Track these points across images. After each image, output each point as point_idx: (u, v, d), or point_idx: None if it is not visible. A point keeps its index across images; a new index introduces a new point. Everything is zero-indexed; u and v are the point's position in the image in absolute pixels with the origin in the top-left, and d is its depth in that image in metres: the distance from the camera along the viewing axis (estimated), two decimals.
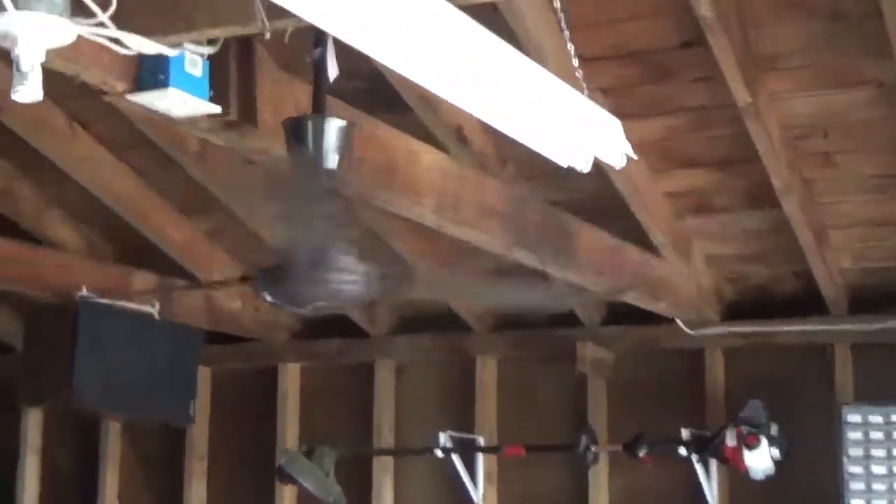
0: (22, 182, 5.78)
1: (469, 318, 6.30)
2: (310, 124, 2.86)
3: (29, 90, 2.19)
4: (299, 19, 2.13)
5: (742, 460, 5.32)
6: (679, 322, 5.78)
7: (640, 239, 5.25)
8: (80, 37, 2.37)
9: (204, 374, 6.86)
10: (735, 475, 5.55)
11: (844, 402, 5.52)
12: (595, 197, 5.05)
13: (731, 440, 5.36)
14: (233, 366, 6.99)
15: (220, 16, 2.52)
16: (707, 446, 5.46)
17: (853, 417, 5.36)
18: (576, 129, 2.60)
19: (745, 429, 5.34)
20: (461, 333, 6.40)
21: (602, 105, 4.62)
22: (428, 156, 3.89)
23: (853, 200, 5.18)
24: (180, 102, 2.83)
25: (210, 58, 2.84)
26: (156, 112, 2.89)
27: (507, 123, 2.56)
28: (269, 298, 2.99)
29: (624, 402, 6.05)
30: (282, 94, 3.11)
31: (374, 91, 4.11)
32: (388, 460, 6.45)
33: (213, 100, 2.89)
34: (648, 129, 4.85)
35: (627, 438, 5.67)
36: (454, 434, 6.09)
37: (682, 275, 5.54)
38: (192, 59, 2.78)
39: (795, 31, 4.27)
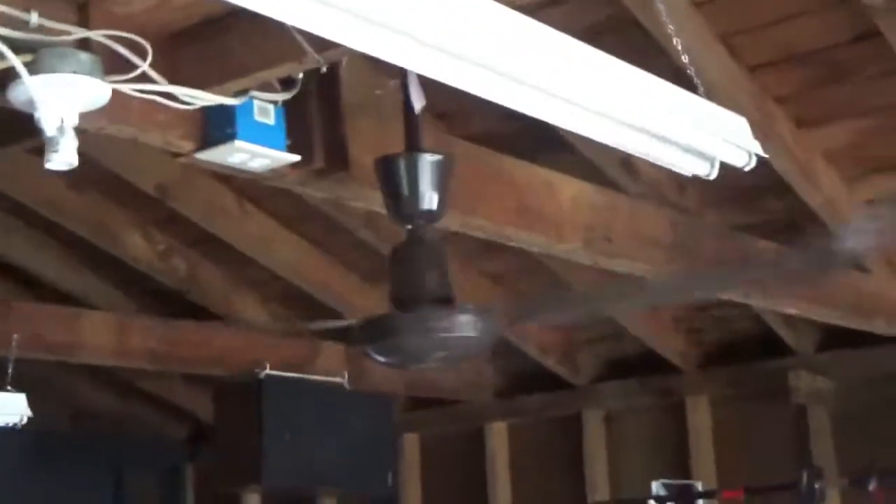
0: (205, 266, 5.77)
1: (675, 357, 5.98)
2: (402, 162, 2.63)
3: (62, 157, 2.04)
4: (349, 49, 1.95)
5: None
6: None
7: None
8: (125, 95, 2.23)
9: (412, 441, 6.80)
10: None
11: None
12: (787, 216, 4.71)
13: None
14: (439, 430, 6.82)
15: (272, 56, 2.33)
16: None
17: None
18: (692, 134, 2.31)
19: None
20: (669, 375, 6.06)
21: (776, 115, 4.41)
22: (570, 188, 3.62)
23: None
24: (253, 155, 2.63)
25: (286, 103, 2.65)
26: (234, 168, 2.70)
27: (617, 137, 2.32)
28: (375, 356, 2.76)
29: (849, 432, 5.59)
30: (376, 134, 2.89)
31: (534, 131, 3.90)
32: None
33: (291, 149, 2.69)
34: (835, 135, 4.50)
35: (855, 471, 5.23)
36: (669, 482, 5.78)
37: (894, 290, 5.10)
38: (263, 106, 2.59)
39: None
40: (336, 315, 5.79)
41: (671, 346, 5.96)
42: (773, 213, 4.75)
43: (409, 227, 2.69)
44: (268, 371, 5.43)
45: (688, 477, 5.84)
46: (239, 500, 7.12)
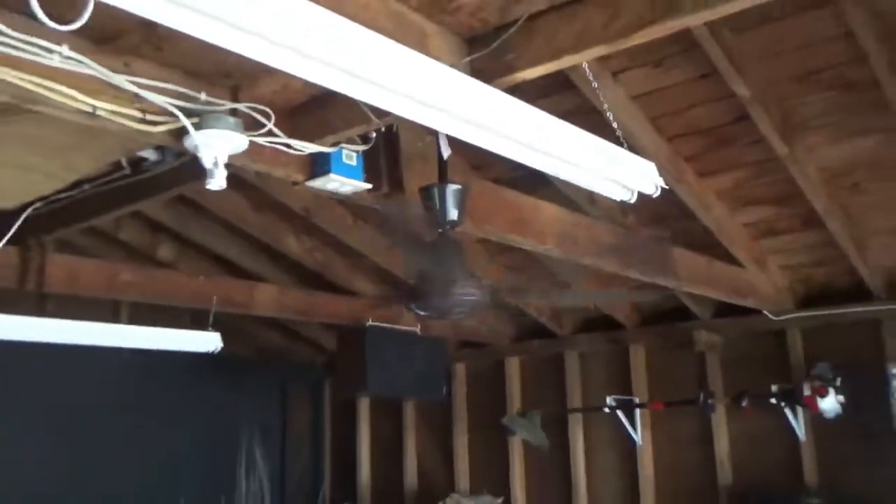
0: (335, 258, 5.73)
1: (623, 319, 5.84)
2: (436, 190, 2.56)
3: (216, 182, 2.02)
4: (399, 116, 1.88)
5: (816, 405, 4.63)
6: (766, 312, 5.14)
7: (729, 258, 4.69)
8: (260, 145, 2.18)
9: (461, 368, 6.72)
10: (814, 416, 4.83)
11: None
12: (693, 232, 4.55)
13: (807, 391, 4.68)
14: (477, 362, 6.71)
15: (350, 120, 2.27)
16: (790, 396, 4.78)
17: None
18: (618, 173, 2.21)
19: (817, 382, 4.65)
20: (619, 330, 5.91)
21: (685, 168, 4.26)
22: (550, 211, 3.51)
23: (884, 215, 4.43)
24: (343, 184, 2.61)
25: (364, 152, 2.59)
26: (330, 192, 2.65)
27: (572, 175, 2.23)
28: (417, 311, 2.69)
29: (732, 370, 5.42)
30: (420, 171, 2.81)
31: (534, 175, 3.80)
32: (578, 416, 6.01)
33: (367, 180, 2.64)
34: (723, 181, 4.34)
35: (734, 394, 5.06)
36: (618, 397, 5.65)
37: (761, 280, 4.91)
38: (348, 153, 2.57)
39: (817, 101, 3.70)
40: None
41: (621, 312, 5.80)
42: (685, 230, 4.58)
43: (440, 230, 2.61)
44: (370, 322, 5.37)
45: (630, 395, 5.69)
46: (355, 403, 7.10)
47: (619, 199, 2.32)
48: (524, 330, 6.43)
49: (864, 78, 3.51)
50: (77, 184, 3.71)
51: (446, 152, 2.59)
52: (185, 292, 4.57)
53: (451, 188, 2.59)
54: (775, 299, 5.07)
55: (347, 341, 5.45)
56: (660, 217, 4.64)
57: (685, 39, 3.36)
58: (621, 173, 2.24)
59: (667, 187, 2.33)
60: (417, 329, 5.65)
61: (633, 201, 2.31)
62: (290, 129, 2.33)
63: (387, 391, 5.55)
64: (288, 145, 2.31)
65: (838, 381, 4.62)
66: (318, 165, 2.55)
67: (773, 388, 4.88)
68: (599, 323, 6.02)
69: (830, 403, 4.59)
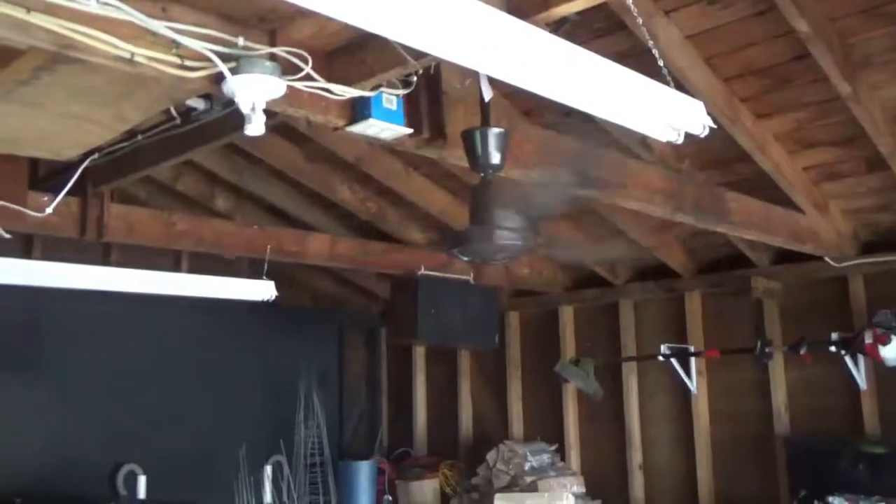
0: (388, 208, 5.72)
1: (678, 267, 5.73)
2: (478, 133, 2.50)
3: (254, 128, 2.01)
4: (437, 57, 1.83)
5: (878, 353, 4.49)
6: (827, 258, 4.98)
7: (789, 202, 4.54)
8: (299, 90, 2.15)
9: (514, 317, 6.71)
10: (876, 364, 4.68)
11: None
12: (753, 177, 4.41)
13: (868, 338, 4.54)
14: (531, 310, 6.67)
15: (388, 62, 2.22)
16: (851, 344, 4.64)
17: None
18: (664, 113, 2.13)
19: (878, 330, 4.50)
20: (674, 279, 5.80)
21: (742, 110, 4.11)
22: None
23: None
24: (383, 129, 2.54)
25: (405, 96, 2.54)
26: (370, 137, 2.61)
27: (616, 115, 2.17)
28: (459, 256, 2.65)
29: (790, 318, 5.28)
30: (462, 116, 2.73)
31: (587, 119, 3.71)
32: (632, 364, 5.96)
33: (408, 125, 2.58)
34: (782, 123, 4.18)
35: (792, 342, 4.94)
36: (672, 345, 5.57)
37: (822, 225, 4.74)
38: (388, 97, 2.50)
39: (881, 37, 3.51)
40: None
41: (676, 260, 5.70)
42: (742, 174, 4.45)
43: (482, 174, 2.56)
44: (423, 271, 5.37)
45: (684, 343, 5.61)
46: (411, 350, 7.16)
47: (665, 139, 2.24)
48: (579, 279, 6.36)
49: None
50: (132, 135, 3.77)
51: (488, 94, 2.52)
52: (239, 242, 4.63)
53: (493, 132, 2.52)
54: (837, 245, 4.90)
55: (400, 290, 5.47)
56: (717, 162, 4.50)
57: None
58: (666, 112, 2.16)
59: (714, 126, 2.24)
60: (470, 278, 5.64)
61: (679, 141, 2.23)
62: (329, 74, 2.29)
63: (439, 339, 5.57)
64: (327, 90, 2.27)
65: None
66: (358, 110, 2.48)
67: (833, 335, 4.74)
68: (654, 271, 5.90)
69: (892, 352, 4.44)
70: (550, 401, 6.33)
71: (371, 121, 2.47)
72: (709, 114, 3.02)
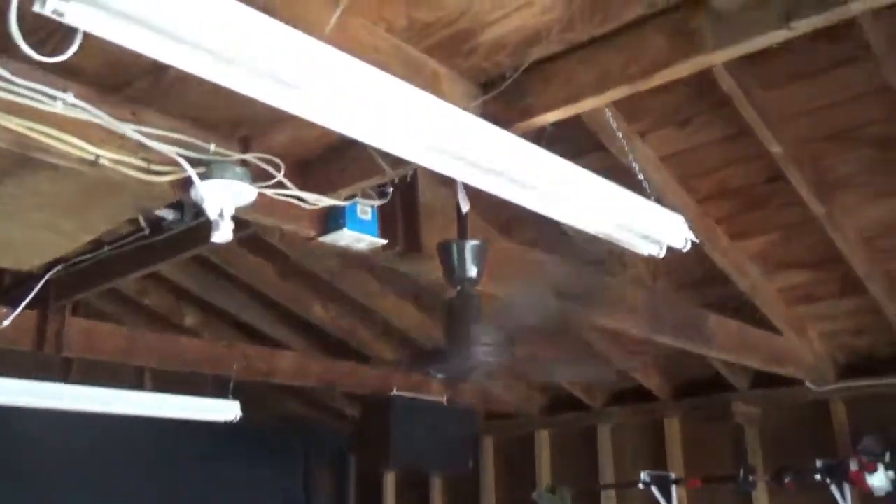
0: (361, 326, 5.59)
1: (656, 390, 5.59)
2: (454, 246, 2.42)
3: (221, 234, 1.92)
4: (415, 165, 1.77)
5: (865, 481, 4.32)
6: (807, 382, 4.88)
7: (765, 325, 4.49)
8: (271, 198, 2.08)
9: (489, 441, 6.46)
10: (863, 494, 4.51)
11: None
12: (727, 297, 4.37)
13: (854, 466, 4.38)
14: (506, 434, 6.44)
15: (364, 171, 2.15)
16: (836, 472, 4.48)
17: None
18: (646, 226, 2.08)
19: (864, 458, 4.36)
20: (652, 402, 5.65)
21: (717, 231, 4.11)
22: None
23: None
24: (357, 240, 2.46)
25: (380, 207, 2.47)
26: (343, 249, 2.52)
27: (597, 226, 2.10)
28: (434, 373, 2.52)
29: (772, 444, 5.13)
30: (438, 228, 2.66)
31: (555, 235, 3.68)
32: (611, 492, 5.71)
33: (382, 236, 2.49)
34: (757, 244, 4.18)
35: (774, 469, 4.77)
36: (653, 472, 5.36)
37: (801, 348, 4.67)
38: (363, 208, 2.43)
39: (854, 160, 3.56)
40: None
41: (654, 383, 5.56)
42: (717, 296, 4.40)
43: (458, 288, 2.47)
44: (395, 392, 5.19)
45: (664, 470, 5.42)
46: (380, 477, 6.85)
47: (647, 253, 2.18)
48: (555, 402, 6.19)
49: None
50: (98, 245, 3.67)
51: (465, 206, 2.46)
52: (205, 359, 4.46)
53: (470, 244, 2.43)
54: (816, 368, 4.82)
55: (371, 412, 5.26)
56: (692, 282, 4.47)
57: (712, 97, 3.26)
58: (649, 226, 2.11)
59: (697, 241, 2.19)
60: (444, 399, 5.45)
61: (661, 255, 2.17)
62: (303, 182, 2.23)
63: (411, 465, 5.32)
64: (300, 198, 2.21)
65: (888, 456, 4.32)
66: (332, 220, 2.42)
67: (818, 463, 4.58)
68: (632, 395, 5.76)
69: (880, 480, 4.29)
70: None
71: (345, 231, 2.39)
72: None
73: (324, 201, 2.26)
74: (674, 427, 5.55)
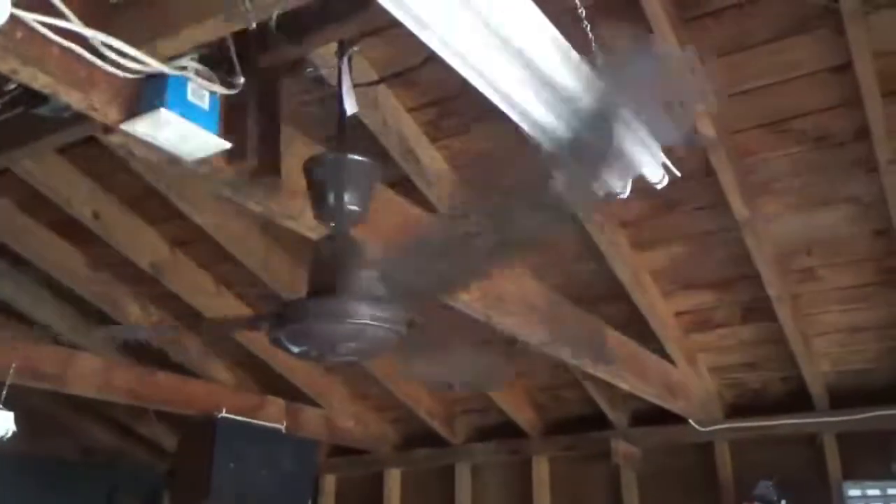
0: (188, 335, 4.67)
1: (525, 425, 4.96)
2: (330, 161, 1.65)
3: None
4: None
5: None
6: (691, 421, 4.40)
7: (661, 350, 3.97)
8: (43, 41, 1.26)
9: (330, 480, 5.64)
10: None
11: (836, 480, 4.02)
12: (626, 314, 3.81)
13: None
14: (350, 472, 5.61)
15: (206, 11, 1.37)
16: None
17: (854, 492, 3.84)
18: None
19: None
20: (520, 439, 5.01)
21: (622, 237, 3.56)
22: None
23: (834, 310, 3.82)
24: (181, 135, 1.61)
25: (228, 104, 1.67)
26: (161, 148, 1.67)
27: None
28: (287, 344, 1.71)
29: (650, 487, 4.61)
30: (307, 149, 1.87)
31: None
32: None
33: (225, 138, 1.67)
34: (658, 258, 3.67)
35: None
36: None
37: (692, 381, 4.20)
38: (197, 89, 1.61)
39: (780, 158, 3.10)
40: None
41: (523, 417, 4.92)
42: (615, 312, 3.81)
43: (333, 225, 1.70)
44: (223, 414, 4.27)
45: None
46: None
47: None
48: (409, 436, 5.43)
49: (843, 130, 2.95)
50: None
51: (351, 106, 1.72)
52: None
53: (353, 160, 1.68)
54: (704, 405, 4.36)
55: (191, 436, 4.31)
56: (589, 296, 3.86)
57: None
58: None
59: (678, 174, 1.56)
60: (283, 426, 4.58)
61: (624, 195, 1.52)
62: (107, 25, 1.40)
63: (236, 501, 4.37)
64: (95, 51, 1.38)
65: None
66: (146, 96, 1.55)
67: None
68: (498, 430, 5.10)
69: None
70: None
71: (162, 114, 1.54)
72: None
73: (134, 57, 1.41)
74: (542, 467, 4.94)
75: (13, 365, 3.36)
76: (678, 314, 4.04)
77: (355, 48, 1.70)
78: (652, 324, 3.81)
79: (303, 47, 1.59)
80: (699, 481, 4.47)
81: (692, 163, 3.10)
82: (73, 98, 1.49)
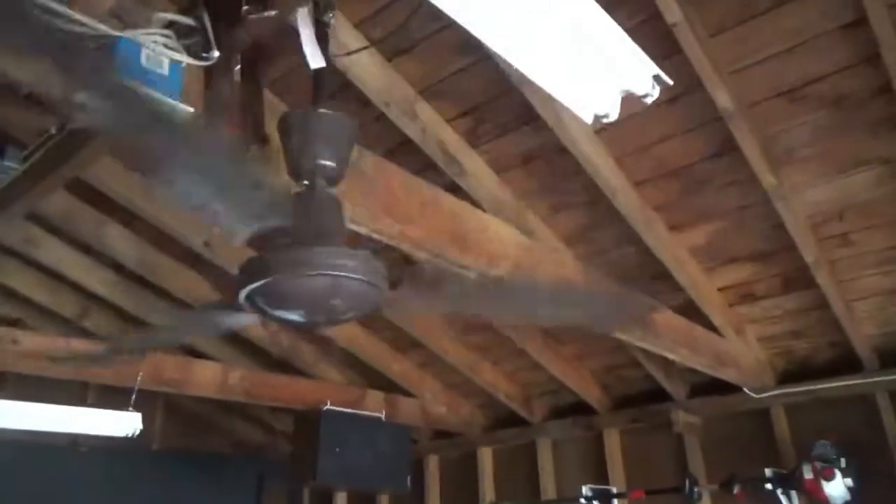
0: (302, 343, 4.43)
1: (595, 403, 4.43)
2: (300, 116, 1.30)
3: None
4: None
5: (821, 490, 3.19)
6: (746, 389, 3.77)
7: (710, 325, 3.41)
8: None
9: (433, 460, 5.22)
10: (812, 502, 3.36)
11: (893, 436, 3.33)
12: (672, 294, 3.28)
13: (808, 474, 3.24)
14: (448, 453, 5.19)
15: None
16: (788, 481, 3.33)
17: None
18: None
19: (819, 464, 3.23)
20: (591, 416, 4.48)
21: (655, 219, 3.06)
22: (502, 229, 2.23)
23: (871, 273, 3.16)
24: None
25: (209, 72, 1.34)
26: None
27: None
28: (255, 304, 1.34)
29: (713, 453, 3.98)
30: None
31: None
32: None
33: (190, 104, 1.32)
34: (695, 236, 3.13)
35: (722, 478, 3.59)
36: (594, 486, 4.15)
37: (742, 351, 3.59)
38: (152, 54, 1.27)
39: (801, 126, 2.55)
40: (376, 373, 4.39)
41: (592, 396, 4.40)
42: (660, 292, 3.30)
43: (306, 182, 1.35)
44: (328, 406, 3.97)
45: (606, 483, 4.22)
46: (332, 498, 5.53)
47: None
48: (495, 418, 4.97)
49: (862, 89, 2.39)
50: None
51: (316, 61, 1.37)
52: (104, 368, 3.24)
53: (325, 115, 1.32)
54: (757, 373, 3.73)
55: (301, 427, 4.03)
56: (635, 279, 3.36)
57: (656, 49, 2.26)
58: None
59: (671, 83, 1.13)
60: (382, 415, 4.24)
61: (613, 117, 1.11)
62: None
63: (341, 482, 4.06)
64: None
65: (843, 462, 3.20)
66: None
67: (767, 471, 3.44)
68: (571, 408, 4.59)
69: (838, 488, 3.16)
70: None
71: None
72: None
73: (77, 23, 1.10)
74: (613, 439, 4.39)
75: (139, 374, 3.17)
76: (721, 289, 3.47)
77: (331, 14, 1.37)
78: (697, 301, 3.27)
79: (280, 11, 1.28)
80: (759, 445, 3.82)
81: (716, 141, 2.62)
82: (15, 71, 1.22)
